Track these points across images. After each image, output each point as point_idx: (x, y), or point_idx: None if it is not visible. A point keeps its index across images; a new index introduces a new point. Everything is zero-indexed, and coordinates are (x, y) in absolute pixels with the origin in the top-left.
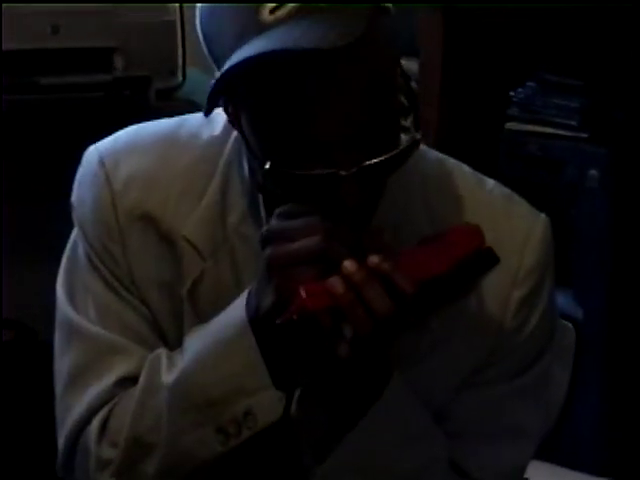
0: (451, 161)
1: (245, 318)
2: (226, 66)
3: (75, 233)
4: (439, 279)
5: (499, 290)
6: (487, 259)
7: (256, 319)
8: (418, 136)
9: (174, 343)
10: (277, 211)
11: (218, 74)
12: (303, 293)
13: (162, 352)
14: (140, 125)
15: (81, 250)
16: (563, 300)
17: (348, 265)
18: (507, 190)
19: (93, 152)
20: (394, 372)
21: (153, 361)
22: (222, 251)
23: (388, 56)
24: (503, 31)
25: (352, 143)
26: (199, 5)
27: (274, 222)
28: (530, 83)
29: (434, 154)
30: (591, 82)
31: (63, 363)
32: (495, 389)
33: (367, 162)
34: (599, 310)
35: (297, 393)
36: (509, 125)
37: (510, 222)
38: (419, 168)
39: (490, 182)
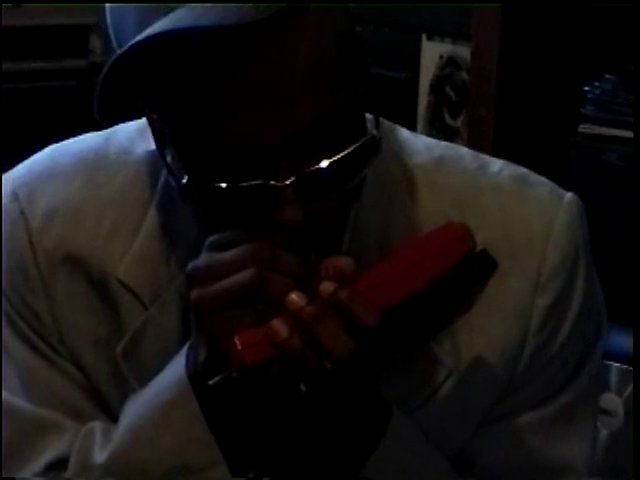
0: (442, 144)
1: (185, 378)
2: (114, 55)
3: None
4: (417, 300)
5: (518, 300)
6: (480, 265)
7: (197, 378)
8: (376, 134)
9: (118, 413)
10: (207, 242)
11: (107, 65)
12: (239, 345)
13: (96, 426)
14: (61, 144)
15: None
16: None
17: (294, 299)
18: (522, 170)
19: (5, 182)
20: (393, 415)
21: (85, 437)
22: (167, 294)
23: (325, 40)
24: (575, 11)
25: (287, 146)
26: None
27: (202, 256)
28: (609, 75)
29: (422, 141)
30: None
31: None
32: (523, 420)
33: (308, 168)
34: None
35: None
36: (582, 128)
37: (524, 210)
38: (402, 160)
39: (497, 163)
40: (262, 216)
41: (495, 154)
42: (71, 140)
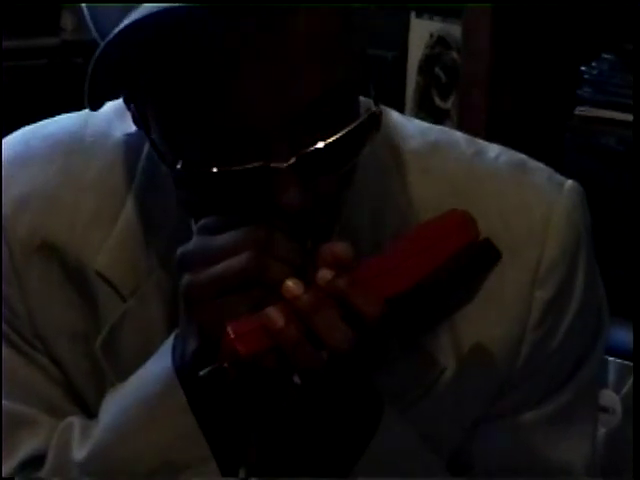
0: (436, 128)
1: (171, 369)
2: (106, 39)
3: None
4: (417, 291)
5: (516, 293)
6: (483, 255)
7: (184, 369)
8: (376, 109)
9: (95, 409)
10: (198, 225)
11: (98, 51)
12: (231, 333)
13: (74, 421)
14: (34, 126)
15: None
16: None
17: (290, 286)
18: (520, 156)
19: None
20: (385, 411)
21: (63, 433)
22: (147, 286)
23: (321, 15)
24: None
25: (286, 125)
26: None
27: (193, 240)
28: (607, 55)
29: (414, 124)
30: None
31: None
32: (521, 419)
33: (309, 148)
34: None
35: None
36: (579, 110)
37: (523, 199)
38: (394, 145)
39: (494, 148)
40: (259, 200)
41: (487, 138)
42: (44, 122)
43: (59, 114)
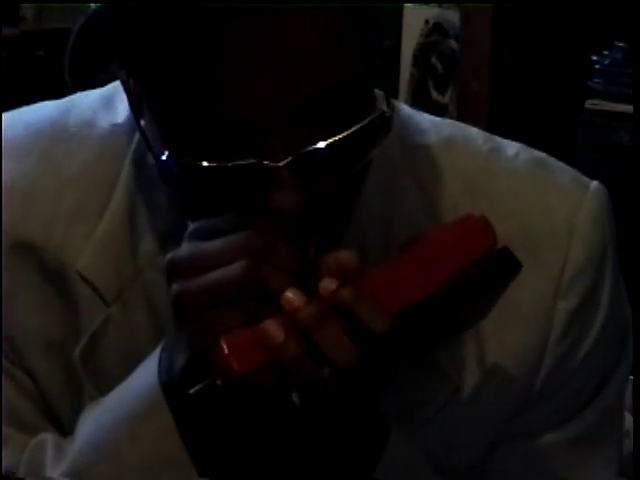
0: (449, 122)
1: (157, 385)
2: (90, 10)
3: None
4: (429, 304)
5: (537, 303)
6: (501, 266)
7: (171, 385)
8: (386, 110)
9: (70, 427)
10: (190, 229)
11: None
12: (225, 348)
13: (47, 438)
14: (11, 114)
15: None
16: None
17: (290, 297)
18: (539, 154)
19: None
20: (392, 436)
21: (35, 450)
22: (133, 291)
23: (327, 6)
24: None
25: (285, 121)
26: None
27: (184, 245)
28: (620, 44)
29: (426, 118)
30: None
31: None
32: (541, 441)
33: (307, 148)
34: None
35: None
36: (590, 103)
37: (544, 200)
38: (405, 141)
39: (513, 146)
40: (254, 202)
41: (489, 132)
42: (23, 109)
43: (20, 107)
